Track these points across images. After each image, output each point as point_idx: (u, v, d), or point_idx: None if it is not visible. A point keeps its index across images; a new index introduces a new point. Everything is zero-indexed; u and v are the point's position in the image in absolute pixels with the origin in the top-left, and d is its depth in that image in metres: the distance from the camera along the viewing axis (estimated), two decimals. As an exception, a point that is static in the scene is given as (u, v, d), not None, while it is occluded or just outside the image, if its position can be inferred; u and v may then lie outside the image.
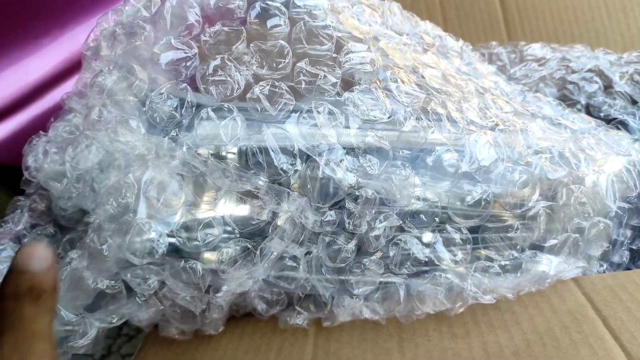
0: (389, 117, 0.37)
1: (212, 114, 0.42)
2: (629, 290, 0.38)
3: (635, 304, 0.37)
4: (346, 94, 0.36)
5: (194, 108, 0.36)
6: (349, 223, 0.36)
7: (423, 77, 0.42)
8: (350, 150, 0.37)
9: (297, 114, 0.37)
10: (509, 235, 0.39)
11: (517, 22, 0.69)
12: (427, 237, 0.40)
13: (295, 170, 0.37)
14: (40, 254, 0.22)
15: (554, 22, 0.68)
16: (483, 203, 0.40)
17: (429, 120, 0.38)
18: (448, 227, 0.39)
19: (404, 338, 0.38)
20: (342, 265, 0.37)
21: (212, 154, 0.42)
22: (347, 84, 0.38)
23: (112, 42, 0.37)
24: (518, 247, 0.39)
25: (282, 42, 0.37)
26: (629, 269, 0.46)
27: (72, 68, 0.56)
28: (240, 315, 0.43)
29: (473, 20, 0.70)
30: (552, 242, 0.39)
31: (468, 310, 0.39)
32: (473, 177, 0.41)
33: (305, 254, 0.38)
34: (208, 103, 0.44)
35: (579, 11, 0.68)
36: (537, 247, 0.40)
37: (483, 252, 0.40)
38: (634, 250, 0.46)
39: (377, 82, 0.38)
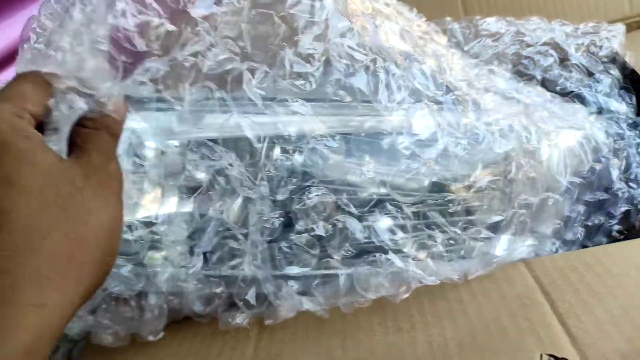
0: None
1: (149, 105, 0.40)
2: (579, 271, 0.37)
3: (584, 285, 0.35)
4: None
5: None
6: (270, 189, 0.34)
7: (377, 26, 0.39)
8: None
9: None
10: (450, 211, 0.37)
11: (472, -5, 0.67)
12: (367, 216, 0.38)
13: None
14: (119, 107, 0.26)
15: (510, -6, 0.66)
16: (423, 179, 0.38)
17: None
18: (388, 205, 0.38)
19: (348, 335, 0.36)
20: (270, 239, 0.35)
21: (153, 148, 0.40)
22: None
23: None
24: (461, 224, 0.38)
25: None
26: (584, 246, 0.45)
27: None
28: (181, 319, 0.41)
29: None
30: (497, 218, 0.38)
31: (415, 302, 0.37)
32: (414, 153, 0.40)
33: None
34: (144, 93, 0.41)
35: (535, -19, 0.66)
36: (484, 225, 0.39)
37: (425, 231, 0.38)
38: (590, 227, 0.45)
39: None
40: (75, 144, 0.25)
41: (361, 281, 0.36)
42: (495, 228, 0.38)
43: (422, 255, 0.36)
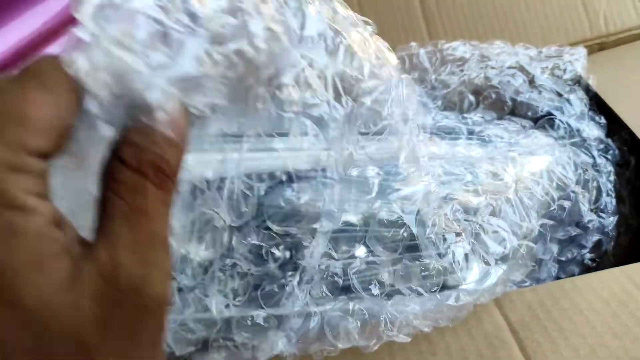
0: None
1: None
2: (547, 306, 0.37)
3: (552, 322, 0.35)
4: None
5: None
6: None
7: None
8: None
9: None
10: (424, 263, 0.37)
11: (436, 18, 0.67)
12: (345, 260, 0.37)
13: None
14: (178, 122, 0.15)
15: (473, 15, 0.66)
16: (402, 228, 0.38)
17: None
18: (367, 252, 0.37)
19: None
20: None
21: None
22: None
23: None
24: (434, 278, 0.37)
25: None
26: (558, 277, 0.44)
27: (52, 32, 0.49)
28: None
29: (392, 17, 0.67)
30: (469, 275, 0.37)
31: (384, 345, 0.36)
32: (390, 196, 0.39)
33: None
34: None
35: (497, 2, 0.67)
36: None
37: (399, 281, 0.37)
38: (563, 261, 0.45)
39: None
40: (103, 214, 0.15)
41: (332, 326, 0.35)
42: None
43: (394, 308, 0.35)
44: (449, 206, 0.38)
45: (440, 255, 0.36)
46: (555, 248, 0.43)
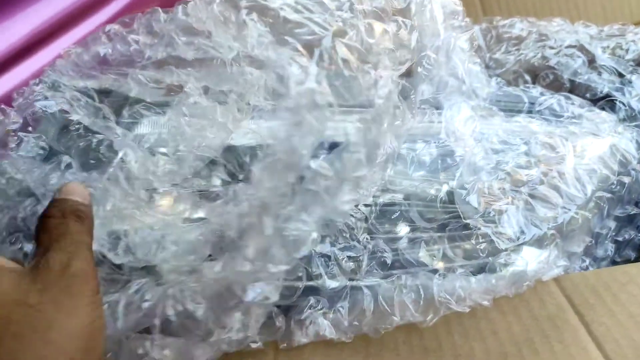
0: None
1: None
2: (613, 290, 0.35)
3: (619, 305, 0.34)
4: None
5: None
6: None
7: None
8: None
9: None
10: (475, 232, 0.36)
11: (492, -5, 0.65)
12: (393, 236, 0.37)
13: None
14: (81, 191, 0.25)
15: (531, -7, 0.64)
16: (444, 198, 0.37)
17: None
18: (409, 216, 0.36)
19: (370, 353, 0.34)
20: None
21: (162, 154, 0.38)
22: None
23: None
24: (482, 249, 0.36)
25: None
26: (614, 261, 0.43)
27: (54, 30, 0.49)
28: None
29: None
30: (526, 239, 0.36)
31: (441, 319, 0.35)
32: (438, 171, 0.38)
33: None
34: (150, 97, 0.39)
35: (557, -19, 0.64)
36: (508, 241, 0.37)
37: (451, 252, 0.37)
38: (620, 242, 0.43)
39: None
40: (39, 241, 0.23)
41: (388, 304, 0.34)
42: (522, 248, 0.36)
43: (449, 278, 0.34)
44: (495, 176, 0.37)
45: (487, 221, 0.35)
46: (612, 224, 0.41)
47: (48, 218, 0.24)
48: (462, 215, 0.35)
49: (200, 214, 0.37)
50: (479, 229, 0.36)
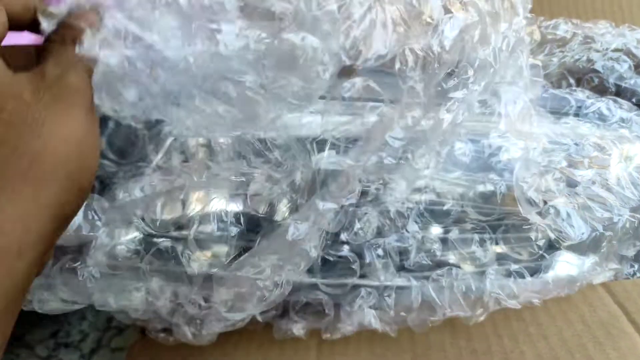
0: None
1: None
2: (669, 300, 0.34)
3: (676, 316, 0.33)
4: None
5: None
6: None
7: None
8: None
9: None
10: (528, 232, 0.35)
11: (535, -5, 0.64)
12: (442, 233, 0.36)
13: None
14: (90, 18, 0.24)
15: (574, -6, 0.62)
16: (500, 196, 0.36)
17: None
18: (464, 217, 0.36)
19: (418, 354, 0.34)
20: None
21: (201, 145, 0.38)
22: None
23: None
24: (539, 245, 0.35)
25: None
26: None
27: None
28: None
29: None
30: (578, 239, 0.35)
31: (489, 321, 0.35)
32: (489, 169, 0.37)
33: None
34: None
35: (602, -17, 0.63)
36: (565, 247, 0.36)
37: (502, 249, 0.36)
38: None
39: None
40: (38, 58, 0.23)
41: (435, 294, 0.34)
42: (577, 250, 0.36)
43: (500, 275, 0.34)
44: (551, 174, 0.37)
45: (542, 216, 0.34)
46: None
47: (48, 41, 0.23)
48: (521, 210, 0.34)
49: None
50: (536, 226, 0.35)
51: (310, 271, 0.35)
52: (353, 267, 0.33)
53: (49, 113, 0.21)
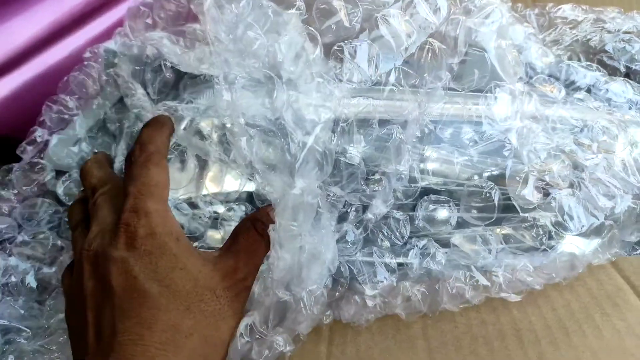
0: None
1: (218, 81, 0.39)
2: (674, 274, 0.35)
3: (682, 289, 0.34)
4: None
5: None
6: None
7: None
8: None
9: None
10: (529, 216, 0.35)
11: (543, -19, 0.64)
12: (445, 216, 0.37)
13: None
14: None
15: (582, -20, 0.62)
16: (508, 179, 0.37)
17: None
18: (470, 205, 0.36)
19: (428, 324, 0.35)
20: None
21: (216, 127, 0.38)
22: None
23: None
24: (541, 230, 0.36)
25: None
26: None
27: (61, 30, 0.50)
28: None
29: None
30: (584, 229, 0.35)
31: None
32: (493, 153, 0.38)
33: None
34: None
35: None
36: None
37: (505, 232, 0.36)
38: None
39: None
40: (234, 239, 0.28)
41: (445, 292, 0.34)
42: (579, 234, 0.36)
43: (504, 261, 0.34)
44: (561, 159, 0.37)
45: (542, 207, 0.35)
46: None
47: (252, 229, 0.28)
48: (518, 209, 0.35)
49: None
50: (537, 220, 0.35)
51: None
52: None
53: (229, 309, 0.26)
